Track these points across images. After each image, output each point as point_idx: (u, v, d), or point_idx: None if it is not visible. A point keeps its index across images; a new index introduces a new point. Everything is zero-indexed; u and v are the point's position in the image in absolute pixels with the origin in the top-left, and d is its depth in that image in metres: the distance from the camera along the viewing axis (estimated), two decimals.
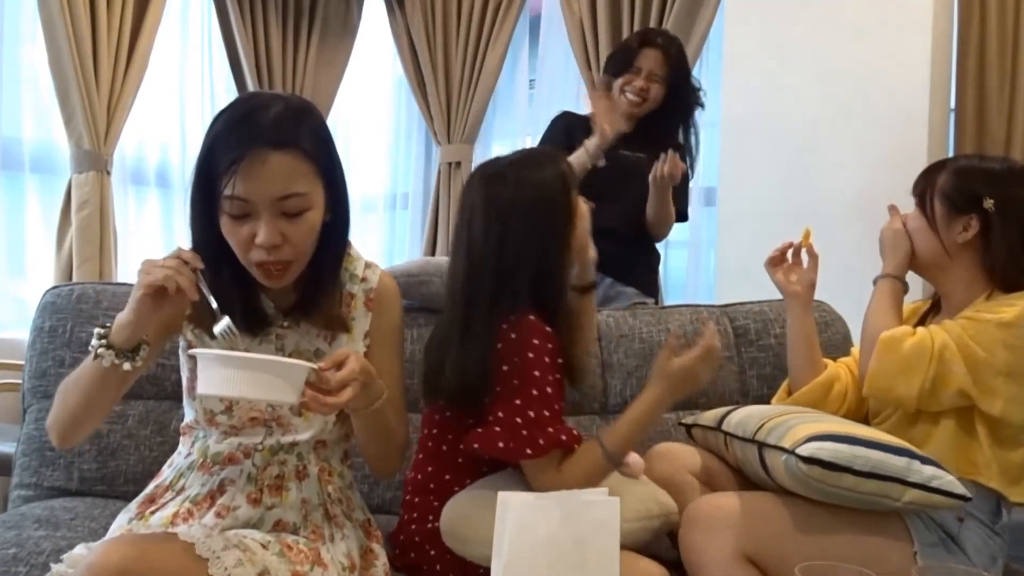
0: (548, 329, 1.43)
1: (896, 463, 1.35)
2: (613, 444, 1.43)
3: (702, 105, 2.60)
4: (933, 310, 1.68)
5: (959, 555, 1.41)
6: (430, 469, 1.54)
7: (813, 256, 1.72)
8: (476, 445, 1.40)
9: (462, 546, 1.42)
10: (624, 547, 1.39)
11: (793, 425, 1.43)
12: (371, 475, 1.77)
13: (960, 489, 1.36)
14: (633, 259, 2.56)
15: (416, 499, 1.54)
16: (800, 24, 2.90)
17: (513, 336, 1.40)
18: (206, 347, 1.29)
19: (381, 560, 1.42)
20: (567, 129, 2.56)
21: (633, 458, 1.60)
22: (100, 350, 1.17)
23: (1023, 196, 1.54)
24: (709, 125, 3.58)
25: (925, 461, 1.37)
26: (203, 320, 1.29)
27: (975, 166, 1.60)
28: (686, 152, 2.59)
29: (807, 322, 1.70)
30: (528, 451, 1.36)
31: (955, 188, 1.56)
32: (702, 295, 3.42)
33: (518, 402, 1.38)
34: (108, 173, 3.35)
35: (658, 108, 2.53)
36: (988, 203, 1.53)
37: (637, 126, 2.54)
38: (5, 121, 3.30)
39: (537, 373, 1.38)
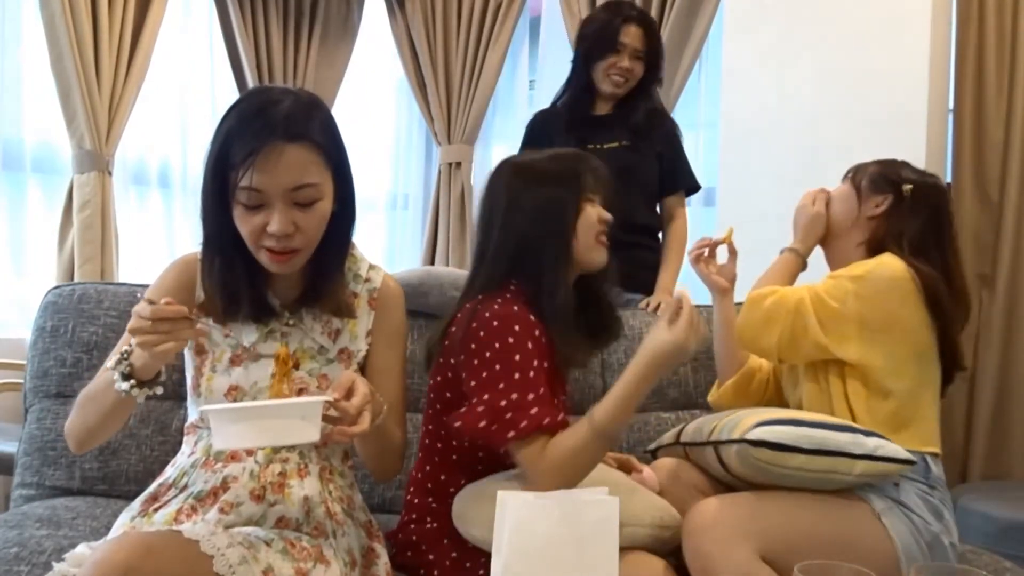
0: (531, 318, 1.44)
1: (841, 438, 1.43)
2: (601, 420, 1.36)
3: (661, 81, 2.52)
4: None
5: (910, 513, 1.48)
6: (428, 468, 1.55)
7: (733, 252, 1.86)
8: (458, 424, 1.38)
9: (466, 527, 1.42)
10: (632, 548, 1.39)
11: (741, 418, 1.50)
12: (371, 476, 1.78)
13: (903, 454, 1.45)
14: (638, 263, 2.40)
15: (415, 500, 1.55)
16: (799, 25, 2.91)
17: (495, 324, 1.41)
18: (216, 336, 1.34)
19: (383, 560, 1.43)
20: (543, 131, 2.48)
21: (647, 473, 1.64)
22: (123, 384, 1.20)
23: (936, 198, 1.68)
24: (709, 125, 3.59)
25: (868, 434, 1.45)
26: (212, 310, 1.34)
27: (909, 165, 1.74)
28: (663, 115, 2.52)
29: (730, 311, 1.83)
30: (511, 433, 1.34)
31: (883, 171, 1.72)
32: (702, 295, 3.41)
33: (501, 386, 1.37)
34: (109, 173, 3.35)
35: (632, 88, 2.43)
36: (907, 187, 1.67)
37: (613, 109, 2.45)
38: (6, 121, 3.29)
39: (518, 357, 1.39)
